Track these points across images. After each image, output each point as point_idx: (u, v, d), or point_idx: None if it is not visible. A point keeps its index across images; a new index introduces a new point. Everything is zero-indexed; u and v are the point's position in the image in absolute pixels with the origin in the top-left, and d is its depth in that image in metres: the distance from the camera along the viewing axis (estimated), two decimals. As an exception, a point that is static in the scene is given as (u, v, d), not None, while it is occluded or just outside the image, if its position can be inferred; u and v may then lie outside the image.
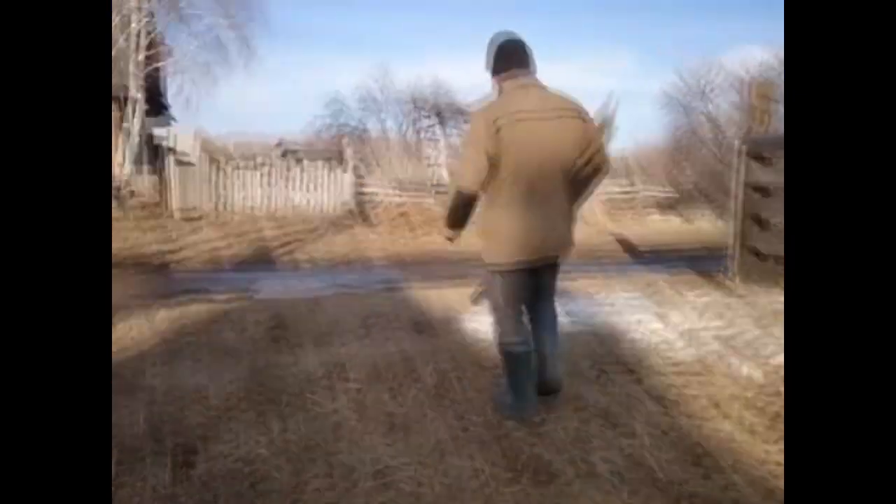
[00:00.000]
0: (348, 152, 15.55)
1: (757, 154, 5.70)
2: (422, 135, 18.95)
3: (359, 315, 5.00)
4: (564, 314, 4.82)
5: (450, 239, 2.72)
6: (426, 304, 5.50)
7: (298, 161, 15.64)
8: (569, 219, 2.60)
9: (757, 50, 22.82)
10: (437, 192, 15.40)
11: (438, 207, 13.05)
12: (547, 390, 2.69)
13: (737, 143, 5.89)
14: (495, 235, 2.50)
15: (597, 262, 9.36)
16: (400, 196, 13.72)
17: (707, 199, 17.05)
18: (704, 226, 14.97)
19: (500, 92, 2.49)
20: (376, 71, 29.41)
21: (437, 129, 17.52)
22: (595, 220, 13.72)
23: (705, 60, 21.47)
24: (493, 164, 2.35)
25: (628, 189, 17.95)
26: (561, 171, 2.45)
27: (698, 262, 7.75)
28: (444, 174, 17.29)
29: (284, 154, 16.34)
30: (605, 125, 2.48)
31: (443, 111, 17.48)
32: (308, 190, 14.01)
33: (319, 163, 14.87)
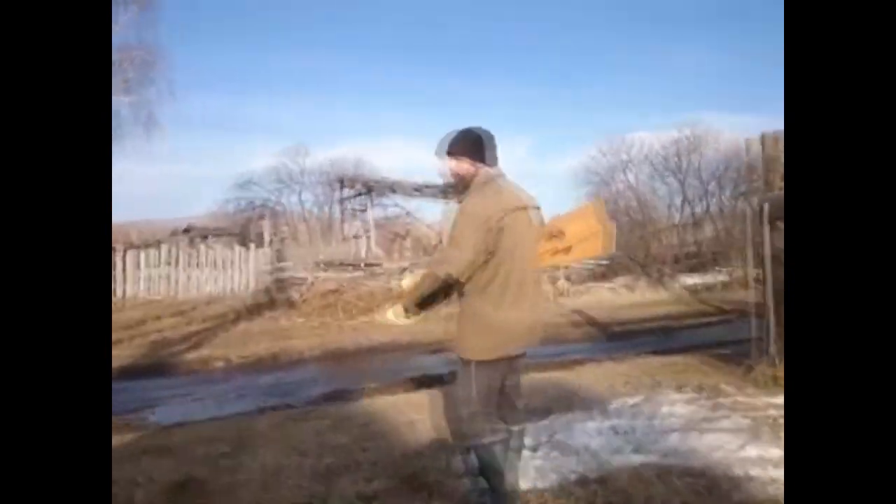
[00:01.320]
0: (265, 226, 13.76)
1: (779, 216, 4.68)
2: (346, 209, 17.48)
3: (306, 454, 3.28)
4: (612, 433, 3.37)
5: (406, 317, 2.57)
6: (390, 420, 3.83)
7: (204, 239, 13.69)
8: (543, 304, 2.63)
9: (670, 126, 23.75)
10: (367, 268, 13.85)
11: (373, 285, 11.41)
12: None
13: (753, 204, 4.84)
14: (485, 327, 2.40)
15: (574, 343, 8.05)
16: (327, 273, 11.98)
17: (638, 266, 16.75)
18: (648, 295, 14.36)
19: (480, 180, 2.45)
20: (293, 150, 28.36)
21: (366, 202, 16.11)
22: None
23: (619, 137, 22.02)
24: (488, 257, 2.35)
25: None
26: (537, 259, 2.51)
27: (679, 337, 6.57)
28: (375, 249, 15.78)
29: (192, 238, 14.29)
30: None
31: (370, 183, 16.18)
32: (218, 269, 11.97)
33: (232, 241, 12.99)
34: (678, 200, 20.94)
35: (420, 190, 16.03)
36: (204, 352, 7.56)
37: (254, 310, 10.48)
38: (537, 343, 2.51)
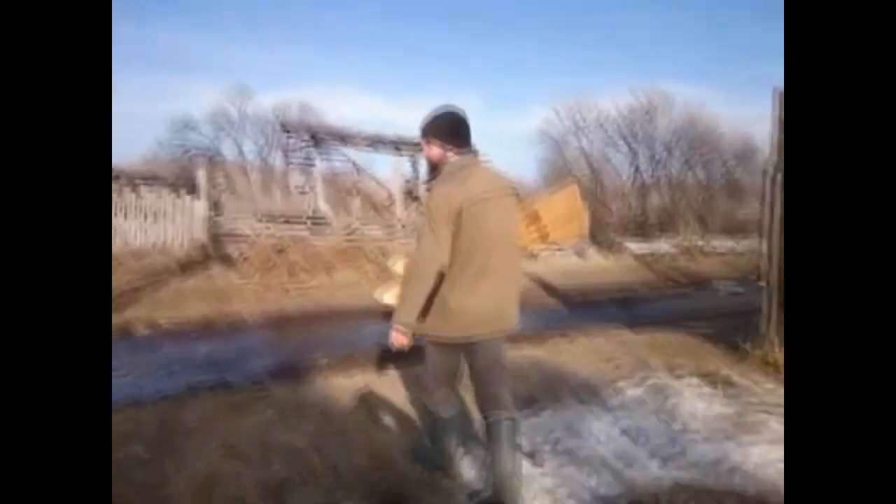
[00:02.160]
0: (200, 176, 12.52)
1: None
2: (290, 160, 16.28)
3: (248, 459, 2.64)
4: (623, 437, 2.85)
5: (404, 335, 2.36)
6: (352, 411, 3.21)
7: (134, 188, 12.31)
8: (518, 294, 2.50)
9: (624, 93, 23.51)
10: (314, 225, 12.95)
11: (321, 245, 10.55)
12: None
13: (770, 168, 4.37)
14: (440, 309, 2.38)
15: (534, 312, 7.57)
16: (269, 229, 10.99)
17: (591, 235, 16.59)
18: (601, 262, 14.17)
19: (448, 168, 2.40)
20: (233, 93, 26.18)
21: (312, 152, 14.96)
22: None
23: (575, 101, 21.53)
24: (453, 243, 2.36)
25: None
26: (509, 247, 2.41)
27: (642, 309, 6.22)
28: (322, 205, 14.80)
29: (121, 187, 12.81)
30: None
31: (317, 133, 14.99)
32: (147, 220, 10.77)
33: (164, 191, 11.72)
34: (629, 168, 20.85)
35: (373, 143, 15.05)
36: (127, 313, 6.59)
37: (187, 267, 9.42)
38: (503, 332, 2.41)
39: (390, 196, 17.85)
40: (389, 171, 17.09)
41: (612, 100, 21.85)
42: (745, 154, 19.70)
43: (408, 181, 18.21)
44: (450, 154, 2.39)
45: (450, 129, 2.42)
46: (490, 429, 2.38)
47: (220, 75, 50.08)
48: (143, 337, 6.09)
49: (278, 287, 8.77)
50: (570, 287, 9.97)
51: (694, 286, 11.18)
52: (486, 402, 2.41)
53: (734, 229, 17.08)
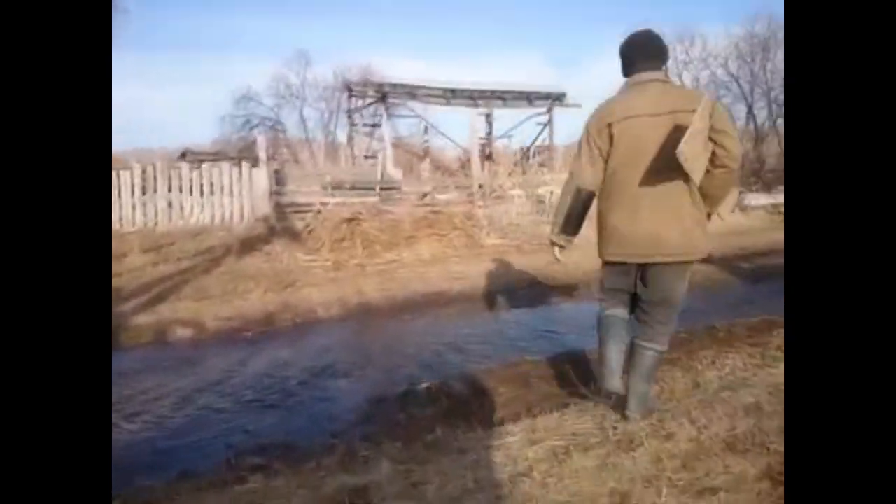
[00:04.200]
0: (260, 144, 10.98)
1: None
2: (356, 123, 14.55)
3: None
4: None
5: (560, 247, 2.58)
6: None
7: (197, 166, 10.97)
8: (689, 219, 2.28)
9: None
10: (384, 191, 11.22)
11: (399, 211, 8.75)
12: (623, 416, 2.46)
13: None
14: (603, 232, 2.41)
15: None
16: (337, 199, 9.31)
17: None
18: (740, 220, 11.76)
19: (623, 86, 2.37)
20: (292, 60, 24.61)
21: (381, 112, 13.15)
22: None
23: (676, 32, 18.34)
24: (606, 162, 2.33)
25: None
26: (672, 170, 2.14)
27: None
28: (391, 169, 13.00)
29: (190, 165, 11.55)
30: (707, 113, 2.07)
31: (384, 88, 13.12)
32: (205, 196, 9.32)
33: (225, 165, 10.27)
34: (742, 110, 17.61)
35: (446, 96, 13.04)
36: (165, 312, 5.00)
37: (248, 245, 7.89)
38: (664, 258, 2.27)
39: (464, 158, 15.86)
40: (466, 129, 15.07)
41: (722, 31, 18.45)
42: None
43: (483, 139, 16.16)
44: (633, 73, 2.33)
45: (631, 49, 2.37)
46: (633, 352, 2.44)
47: (278, 49, 48.70)
48: (181, 343, 4.49)
49: (352, 265, 7.06)
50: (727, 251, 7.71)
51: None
52: (641, 328, 2.43)
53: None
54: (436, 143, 17.65)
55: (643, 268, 2.33)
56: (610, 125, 2.24)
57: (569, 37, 46.03)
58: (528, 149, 16.89)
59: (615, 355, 2.47)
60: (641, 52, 2.34)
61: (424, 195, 12.07)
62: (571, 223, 2.48)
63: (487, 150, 16.36)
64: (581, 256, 7.28)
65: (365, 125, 15.24)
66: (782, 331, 4.07)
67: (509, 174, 13.24)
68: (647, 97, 2.24)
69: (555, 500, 1.85)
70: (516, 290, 5.86)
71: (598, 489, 1.89)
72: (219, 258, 7.18)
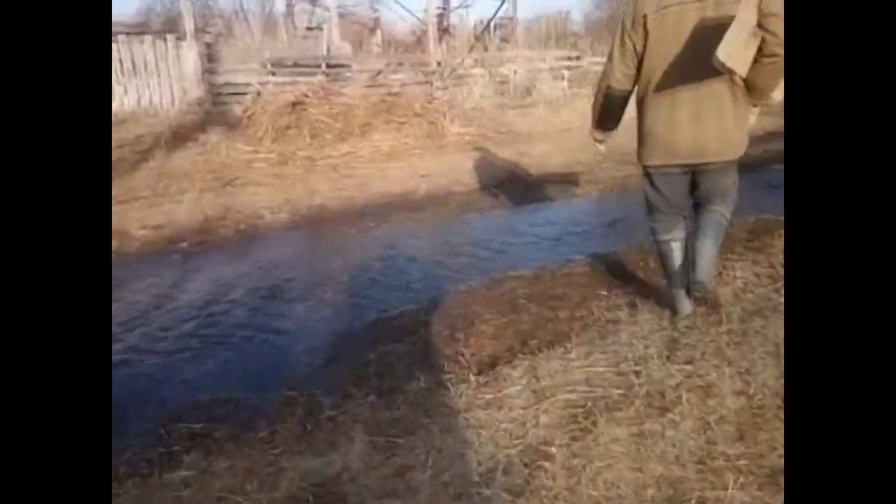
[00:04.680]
0: (187, 17, 9.39)
1: None
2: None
3: None
4: None
5: (599, 141, 2.57)
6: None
7: (115, 40, 9.33)
8: (731, 118, 2.13)
9: None
10: (331, 69, 10.03)
11: (352, 94, 7.74)
12: (694, 291, 2.39)
13: None
14: (642, 137, 2.28)
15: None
16: (277, 79, 8.13)
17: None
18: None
19: None
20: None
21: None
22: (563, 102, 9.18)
23: None
24: (641, 60, 2.16)
25: (571, 60, 13.47)
26: (712, 69, 1.94)
27: None
28: (338, 43, 11.61)
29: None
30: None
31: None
32: (127, 76, 8.00)
33: (146, 39, 8.73)
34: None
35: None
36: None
37: (179, 134, 6.85)
38: (717, 160, 2.17)
39: (418, 31, 14.41)
40: (414, 2, 13.50)
41: None
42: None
43: (440, 9, 14.58)
44: None
45: None
46: (703, 216, 2.33)
47: None
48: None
49: (300, 158, 6.23)
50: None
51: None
52: (705, 200, 2.32)
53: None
54: (387, 15, 15.89)
55: (691, 169, 2.26)
56: (645, 17, 2.08)
57: None
58: (490, 21, 15.45)
59: (684, 278, 2.41)
60: None
61: (377, 73, 10.91)
62: (606, 120, 2.42)
63: (444, 23, 14.84)
64: (550, 149, 6.72)
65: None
66: (782, 231, 3.72)
67: (470, 50, 12.06)
68: None
69: (589, 497, 1.42)
70: (491, 188, 5.25)
71: (640, 477, 1.46)
72: (146, 150, 6.19)
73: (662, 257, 2.46)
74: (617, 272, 3.11)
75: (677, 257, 2.41)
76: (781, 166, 2.19)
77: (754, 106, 2.21)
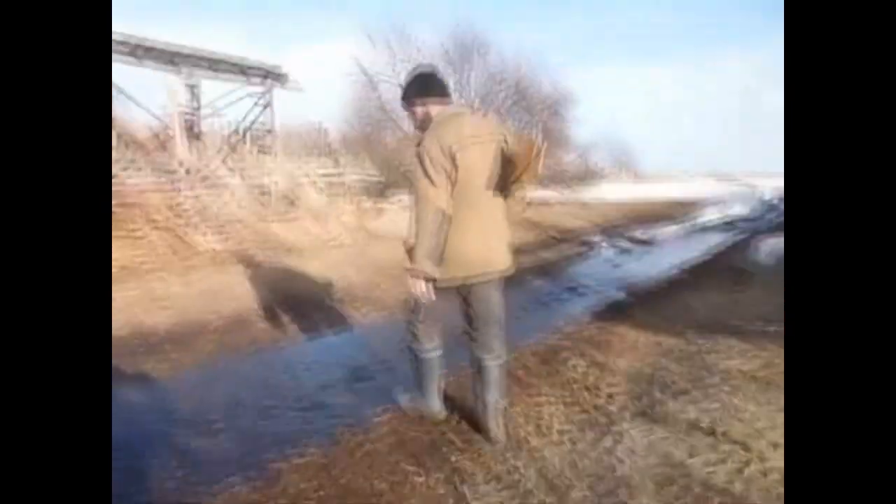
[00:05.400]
0: None
1: None
2: None
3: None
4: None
5: (432, 280, 2.29)
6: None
7: None
8: (505, 235, 2.47)
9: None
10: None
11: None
12: (488, 439, 2.49)
13: None
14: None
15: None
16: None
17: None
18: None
19: (437, 118, 2.40)
20: None
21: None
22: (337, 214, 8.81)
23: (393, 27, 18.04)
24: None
25: (332, 171, 13.47)
26: (495, 190, 2.38)
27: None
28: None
29: None
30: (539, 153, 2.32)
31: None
32: None
33: None
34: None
35: (136, 53, 10.17)
36: None
37: None
38: (496, 274, 2.41)
39: (164, 129, 12.89)
40: (156, 100, 12.18)
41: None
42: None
43: (188, 112, 13.38)
44: (432, 107, 2.42)
45: (424, 85, 2.46)
46: (482, 371, 2.48)
47: None
48: None
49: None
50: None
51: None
52: (480, 347, 2.47)
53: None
54: (124, 111, 13.99)
55: (467, 289, 2.41)
56: (454, 153, 2.26)
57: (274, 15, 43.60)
58: (246, 129, 14.73)
59: (438, 384, 2.64)
60: (440, 85, 2.51)
61: (112, 177, 9.14)
62: (442, 250, 2.34)
63: (195, 127, 13.62)
64: (321, 266, 6.13)
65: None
66: (572, 357, 3.63)
67: (224, 159, 11.09)
68: (469, 124, 2.36)
69: None
70: (255, 322, 4.30)
71: None
72: None
73: (423, 369, 2.59)
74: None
75: (437, 369, 2.60)
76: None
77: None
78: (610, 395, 2.93)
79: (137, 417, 2.66)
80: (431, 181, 2.24)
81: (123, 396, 2.91)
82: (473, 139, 2.30)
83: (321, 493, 2.07)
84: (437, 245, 2.26)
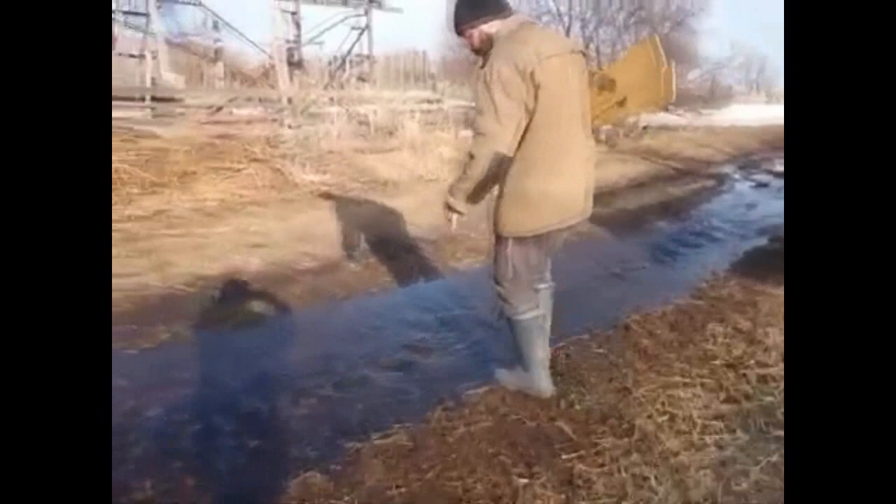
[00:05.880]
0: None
1: None
2: (114, 11, 10.77)
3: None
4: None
5: (459, 213, 2.10)
6: None
7: None
8: (592, 173, 2.11)
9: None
10: (157, 103, 8.33)
11: (167, 136, 6.13)
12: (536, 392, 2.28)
13: None
14: (521, 200, 1.99)
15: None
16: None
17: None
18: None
19: (501, 34, 1.96)
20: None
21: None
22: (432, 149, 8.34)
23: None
24: (528, 120, 1.94)
25: (431, 99, 12.88)
26: (583, 115, 2.03)
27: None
28: (166, 74, 9.85)
29: None
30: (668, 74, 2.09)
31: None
32: None
33: None
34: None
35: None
36: None
37: None
38: (582, 216, 2.09)
39: (267, 65, 12.98)
40: (261, 33, 12.14)
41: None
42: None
43: (289, 41, 13.29)
44: (491, 26, 1.99)
45: (474, 4, 2.02)
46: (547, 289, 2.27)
47: None
48: None
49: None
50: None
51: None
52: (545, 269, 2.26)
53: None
54: (231, 44, 14.22)
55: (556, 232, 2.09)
56: (532, 71, 1.84)
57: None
58: (345, 58, 14.45)
59: (541, 353, 2.23)
60: (488, 1, 2.02)
61: (217, 109, 9.30)
62: (480, 193, 2.05)
63: (296, 57, 13.55)
64: (415, 204, 5.78)
65: (128, 13, 11.38)
66: (710, 322, 3.00)
67: (325, 87, 10.90)
68: (546, 37, 1.99)
69: None
70: (347, 265, 4.05)
71: None
72: None
73: (527, 334, 2.18)
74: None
75: (540, 333, 2.22)
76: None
77: None
78: (763, 379, 2.32)
79: (209, 379, 2.48)
80: (497, 115, 1.87)
81: (209, 344, 2.75)
82: (555, 53, 1.90)
83: (402, 489, 1.73)
84: (481, 189, 2.00)
